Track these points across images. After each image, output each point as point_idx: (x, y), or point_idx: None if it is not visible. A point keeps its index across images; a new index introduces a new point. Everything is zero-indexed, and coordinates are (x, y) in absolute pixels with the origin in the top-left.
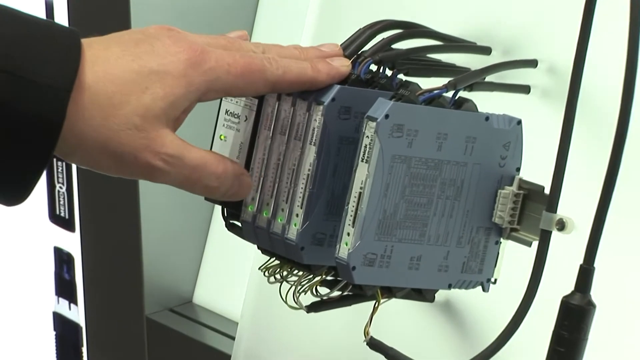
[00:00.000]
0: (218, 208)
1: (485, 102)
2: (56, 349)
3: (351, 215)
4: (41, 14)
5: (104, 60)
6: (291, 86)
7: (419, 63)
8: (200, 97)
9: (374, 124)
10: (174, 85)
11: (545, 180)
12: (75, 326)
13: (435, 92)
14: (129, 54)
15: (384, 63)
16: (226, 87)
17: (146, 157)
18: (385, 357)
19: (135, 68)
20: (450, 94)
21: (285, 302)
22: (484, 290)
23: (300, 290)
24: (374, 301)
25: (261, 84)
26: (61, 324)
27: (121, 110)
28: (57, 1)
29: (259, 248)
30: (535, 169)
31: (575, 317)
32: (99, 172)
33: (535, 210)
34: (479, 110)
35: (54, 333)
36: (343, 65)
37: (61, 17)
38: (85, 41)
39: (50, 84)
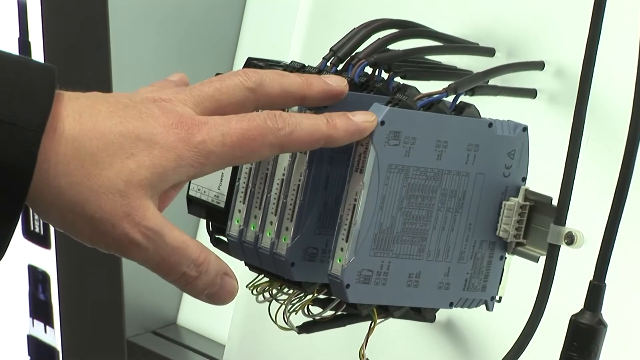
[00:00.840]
0: (203, 222)
1: (489, 107)
2: None
3: (345, 229)
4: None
5: (91, 115)
6: (301, 146)
7: (417, 65)
8: (194, 174)
9: None
10: (162, 157)
11: (553, 191)
12: (51, 350)
13: (435, 96)
14: (117, 115)
15: (380, 65)
16: (223, 160)
17: (125, 227)
18: None
19: (122, 131)
20: (450, 98)
21: (275, 323)
22: (487, 309)
23: (291, 310)
24: (370, 321)
25: (265, 149)
26: (36, 348)
27: (104, 170)
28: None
29: (246, 264)
30: (543, 178)
31: (584, 337)
32: (74, 238)
33: (543, 223)
34: (482, 116)
35: (29, 358)
36: (366, 121)
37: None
38: (71, 94)
39: (17, 122)
